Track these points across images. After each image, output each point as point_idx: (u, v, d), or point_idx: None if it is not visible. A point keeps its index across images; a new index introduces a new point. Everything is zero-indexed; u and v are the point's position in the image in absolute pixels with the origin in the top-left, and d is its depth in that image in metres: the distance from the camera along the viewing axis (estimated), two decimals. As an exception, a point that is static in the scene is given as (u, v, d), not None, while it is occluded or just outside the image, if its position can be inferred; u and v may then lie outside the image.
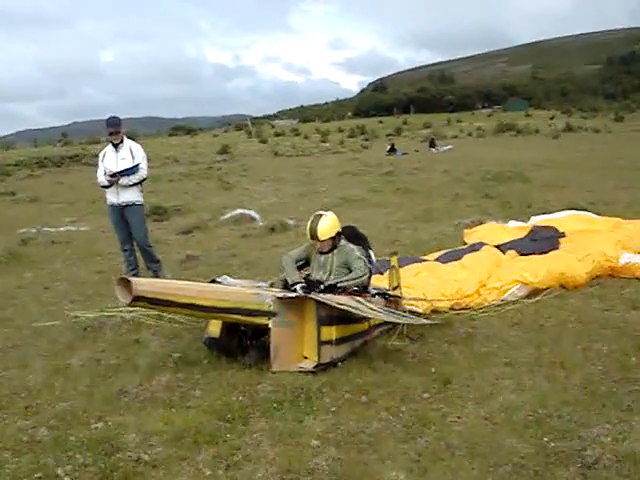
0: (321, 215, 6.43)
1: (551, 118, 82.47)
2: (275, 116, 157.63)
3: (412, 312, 6.64)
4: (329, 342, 5.57)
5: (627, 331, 6.18)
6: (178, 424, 4.52)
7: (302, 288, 6.02)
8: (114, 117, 8.76)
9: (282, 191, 20.02)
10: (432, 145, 41.26)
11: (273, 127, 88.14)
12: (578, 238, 8.88)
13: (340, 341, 5.67)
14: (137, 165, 8.63)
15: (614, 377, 5.13)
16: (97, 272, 9.94)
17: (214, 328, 6.01)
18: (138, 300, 5.15)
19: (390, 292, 6.71)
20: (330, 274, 6.36)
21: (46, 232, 13.96)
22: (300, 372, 5.39)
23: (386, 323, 6.27)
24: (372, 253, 6.81)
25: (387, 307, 6.36)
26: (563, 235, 9.15)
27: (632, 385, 4.96)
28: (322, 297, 5.70)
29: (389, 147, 38.46)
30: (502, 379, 5.21)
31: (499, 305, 7.16)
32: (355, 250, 6.42)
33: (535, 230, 9.69)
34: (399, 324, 6.26)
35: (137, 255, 9.05)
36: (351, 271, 6.30)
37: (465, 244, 10.10)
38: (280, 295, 5.66)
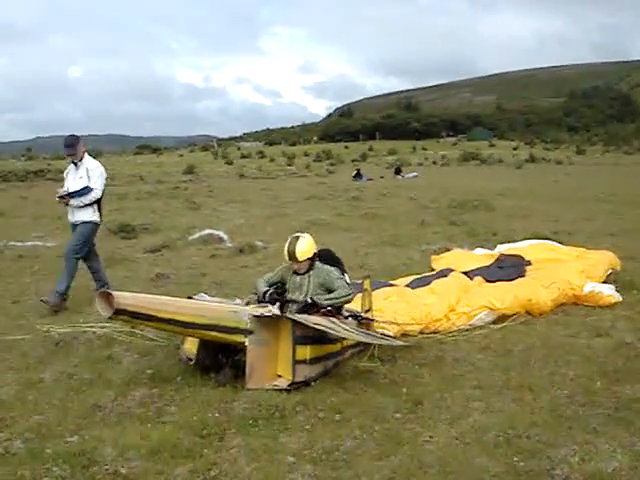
0: (298, 237, 6.56)
1: (515, 148, 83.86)
2: (241, 138, 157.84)
3: (383, 334, 6.73)
4: (303, 361, 5.66)
5: (592, 357, 6.34)
6: (154, 439, 4.55)
7: (278, 307, 6.11)
8: (70, 136, 8.79)
9: (249, 213, 20.07)
10: (398, 172, 41.72)
11: (239, 149, 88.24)
12: (544, 266, 9.10)
13: (314, 361, 5.76)
14: (86, 187, 8.63)
15: (580, 401, 5.28)
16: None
17: (190, 346, 6.08)
18: (119, 313, 5.20)
19: (362, 314, 6.80)
20: (307, 295, 6.43)
21: (12, 246, 13.83)
22: (274, 390, 5.46)
23: (358, 345, 6.39)
24: (347, 276, 6.91)
25: (359, 329, 6.47)
26: (529, 263, 9.36)
27: (597, 409, 5.11)
28: (298, 317, 5.80)
29: (355, 172, 38.83)
30: (472, 401, 5.32)
31: (467, 330, 7.31)
32: (333, 271, 6.54)
33: (501, 258, 9.90)
34: (370, 346, 6.37)
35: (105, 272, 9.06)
36: (330, 291, 6.40)
37: (433, 270, 10.27)
38: (257, 313, 5.73)
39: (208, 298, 6.79)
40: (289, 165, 54.88)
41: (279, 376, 5.68)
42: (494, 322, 7.57)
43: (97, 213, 8.89)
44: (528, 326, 7.47)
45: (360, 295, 7.03)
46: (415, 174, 41.99)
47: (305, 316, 5.97)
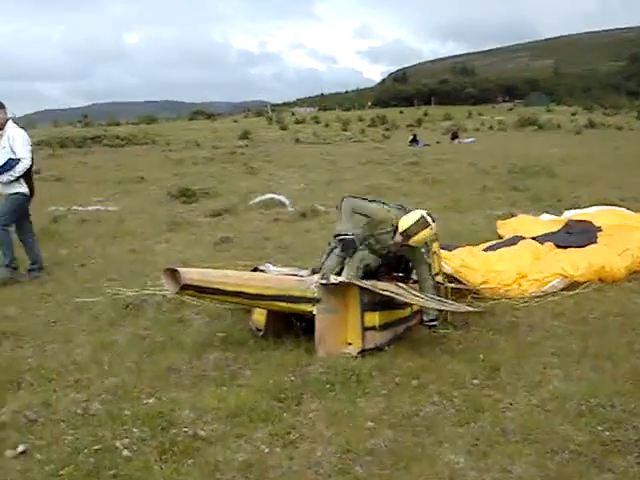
0: (422, 215, 5.99)
1: (573, 114, 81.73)
2: (295, 103, 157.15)
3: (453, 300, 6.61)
4: (373, 328, 5.61)
5: (672, 325, 6.16)
6: (232, 402, 4.55)
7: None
8: None
9: (308, 178, 19.97)
10: (455, 137, 41.12)
11: (293, 114, 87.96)
12: (616, 233, 8.85)
13: (384, 327, 5.70)
14: (11, 160, 8.21)
15: (663, 370, 5.13)
16: (131, 251, 10.00)
17: (258, 316, 6.08)
18: (186, 289, 5.22)
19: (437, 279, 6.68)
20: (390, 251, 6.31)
21: (75, 211, 14.08)
22: (360, 355, 5.43)
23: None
24: None
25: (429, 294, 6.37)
26: (600, 229, 9.11)
27: (681, 379, 4.95)
28: (365, 283, 5.73)
29: (411, 138, 38.35)
30: (550, 368, 5.20)
31: (539, 296, 7.15)
32: (421, 250, 6.19)
33: (570, 224, 9.65)
34: (442, 311, 6.26)
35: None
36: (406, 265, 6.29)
37: (499, 236, 10.10)
38: (323, 281, 5.66)
39: (273, 268, 6.77)
40: (344, 130, 54.40)
41: (349, 344, 5.63)
42: (566, 289, 7.37)
43: (24, 185, 8.42)
44: (602, 293, 7.26)
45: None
46: (472, 139, 41.35)
47: (372, 282, 5.90)
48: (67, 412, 4.50)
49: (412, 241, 5.95)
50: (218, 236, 10.74)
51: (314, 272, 6.30)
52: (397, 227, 6.01)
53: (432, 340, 5.92)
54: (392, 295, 5.74)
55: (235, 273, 5.81)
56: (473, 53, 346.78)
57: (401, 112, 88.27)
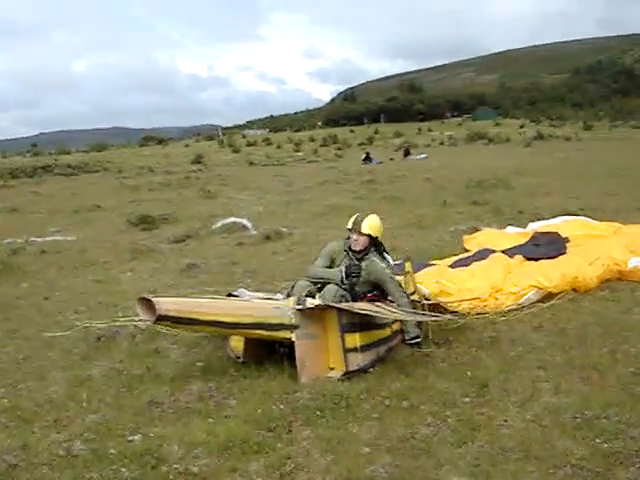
0: (368, 214, 6.43)
1: (521, 127, 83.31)
2: (245, 126, 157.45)
3: (432, 312, 6.57)
4: (354, 349, 5.51)
5: (650, 333, 6.19)
6: (221, 434, 4.40)
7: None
8: None
9: (266, 200, 19.93)
10: (407, 154, 41.55)
11: (244, 137, 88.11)
12: (584, 243, 8.95)
13: (365, 348, 5.60)
14: None
15: (648, 378, 5.13)
16: (96, 281, 9.74)
17: (236, 343, 5.94)
18: (162, 320, 5.07)
19: (413, 298, 6.62)
20: (355, 286, 6.27)
21: (33, 242, 13.73)
22: (344, 379, 5.33)
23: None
24: (390, 258, 6.73)
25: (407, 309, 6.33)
26: (567, 240, 9.19)
27: (668, 386, 4.96)
28: (342, 305, 5.67)
29: (364, 156, 38.70)
30: (538, 382, 5.17)
31: (516, 309, 7.14)
32: (385, 269, 6.28)
33: (537, 236, 9.71)
34: (422, 329, 6.22)
35: None
36: (378, 288, 6.29)
37: (466, 250, 10.12)
38: (300, 307, 5.56)
39: (248, 293, 6.67)
40: (296, 151, 54.70)
41: (331, 368, 5.52)
42: (541, 300, 7.39)
43: None
44: (577, 303, 7.30)
45: (402, 278, 6.85)
46: (424, 155, 41.81)
47: (350, 303, 5.86)
48: (49, 454, 4.29)
49: (364, 229, 6.20)
50: (183, 262, 10.57)
51: (289, 295, 6.20)
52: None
53: (416, 359, 5.83)
54: (371, 314, 5.68)
55: (210, 302, 5.64)
56: (420, 70, 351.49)
57: (352, 131, 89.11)
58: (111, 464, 4.10)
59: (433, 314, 6.28)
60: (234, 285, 8.83)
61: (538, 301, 7.39)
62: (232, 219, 14.38)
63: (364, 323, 5.65)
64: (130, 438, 4.49)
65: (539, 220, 11.71)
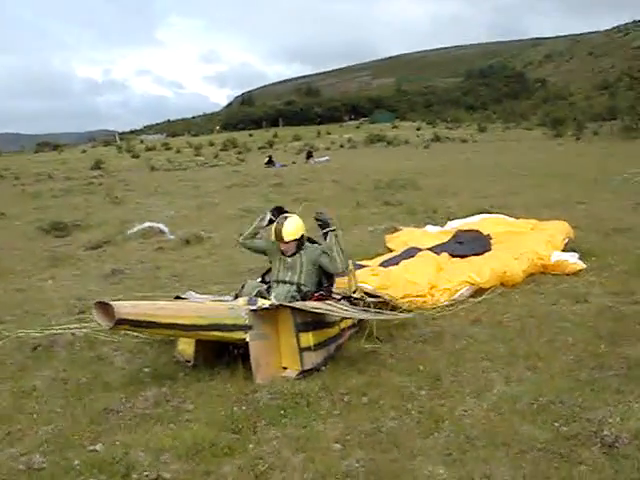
0: (287, 217, 6.52)
1: (418, 129, 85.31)
2: (142, 131, 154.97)
3: (383, 310, 6.68)
4: (308, 348, 5.54)
5: (581, 323, 6.47)
6: (187, 439, 4.32)
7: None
8: None
9: (177, 205, 19.61)
10: (309, 157, 41.76)
11: (142, 142, 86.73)
12: (507, 239, 9.26)
13: (318, 347, 5.64)
14: None
15: (589, 365, 5.37)
16: (17, 290, 9.35)
17: (184, 347, 5.87)
18: (121, 323, 4.95)
19: (353, 295, 6.71)
20: (301, 274, 6.39)
21: None
22: (300, 377, 5.36)
23: (353, 326, 6.35)
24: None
25: (358, 308, 6.43)
26: (490, 237, 9.47)
27: (609, 370, 5.20)
28: (296, 304, 5.71)
29: (267, 159, 38.75)
30: (487, 372, 5.34)
31: (450, 305, 7.33)
32: (317, 248, 6.59)
33: (459, 234, 9.97)
34: (366, 326, 6.32)
35: None
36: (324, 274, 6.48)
37: (389, 249, 10.30)
38: (254, 307, 5.57)
39: (197, 296, 6.61)
40: (197, 155, 54.29)
41: (284, 368, 5.54)
42: (473, 296, 7.63)
43: None
44: (507, 297, 7.56)
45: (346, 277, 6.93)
46: (327, 158, 42.17)
47: (301, 302, 5.90)
48: (9, 469, 4.11)
49: (288, 237, 6.39)
50: (106, 268, 10.32)
51: (237, 296, 6.18)
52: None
53: (365, 356, 5.90)
54: (325, 312, 5.74)
55: (167, 304, 5.57)
56: (317, 74, 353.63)
57: (251, 135, 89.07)
58: (79, 475, 3.98)
59: (385, 312, 6.42)
60: (162, 290, 8.73)
61: (470, 296, 7.63)
62: (148, 224, 14.10)
63: (316, 322, 5.69)
64: (91, 448, 4.35)
65: (456, 219, 12.01)
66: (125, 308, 4.97)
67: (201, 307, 5.65)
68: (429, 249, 9.12)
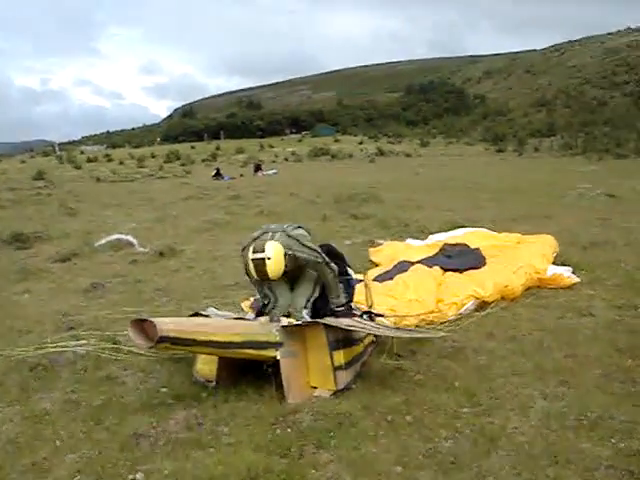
0: (263, 250, 5.61)
1: (360, 143, 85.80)
2: (80, 142, 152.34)
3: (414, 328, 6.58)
4: (340, 367, 5.35)
5: (595, 336, 6.46)
6: (238, 465, 4.07)
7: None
8: None
9: (135, 217, 19.08)
10: (257, 169, 41.64)
11: (82, 153, 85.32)
12: (500, 253, 9.24)
13: (348, 365, 5.45)
14: None
15: (619, 379, 5.33)
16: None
17: (203, 366, 5.62)
18: (162, 341, 4.70)
19: (374, 311, 6.52)
20: (310, 296, 6.11)
21: None
22: (334, 397, 5.17)
23: (373, 343, 6.17)
24: (351, 271, 6.68)
25: (389, 325, 6.32)
26: (479, 250, 9.42)
27: (640, 385, 5.18)
28: (331, 320, 5.51)
29: (214, 172, 38.41)
30: (521, 388, 5.24)
31: (458, 319, 7.25)
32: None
33: (446, 247, 9.89)
34: (385, 340, 6.20)
35: None
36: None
37: (374, 263, 10.21)
38: (285, 323, 5.40)
39: (218, 312, 6.39)
40: (141, 167, 53.51)
41: (314, 387, 5.34)
42: (476, 310, 7.57)
43: None
44: (511, 311, 7.50)
45: (364, 290, 6.79)
46: (275, 171, 42.25)
47: (336, 319, 5.70)
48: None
49: (270, 272, 5.64)
50: (82, 282, 9.92)
51: (257, 315, 5.98)
52: None
53: (391, 373, 5.73)
54: (359, 329, 5.61)
55: (205, 321, 5.38)
56: (258, 87, 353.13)
57: (193, 147, 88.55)
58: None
59: (417, 330, 6.31)
60: (149, 304, 8.44)
61: (475, 310, 7.56)
62: (117, 236, 13.65)
63: (345, 339, 5.51)
64: (131, 477, 4.08)
65: (432, 233, 12.03)
66: (167, 325, 4.74)
67: (235, 324, 5.45)
68: (419, 262, 9.03)
